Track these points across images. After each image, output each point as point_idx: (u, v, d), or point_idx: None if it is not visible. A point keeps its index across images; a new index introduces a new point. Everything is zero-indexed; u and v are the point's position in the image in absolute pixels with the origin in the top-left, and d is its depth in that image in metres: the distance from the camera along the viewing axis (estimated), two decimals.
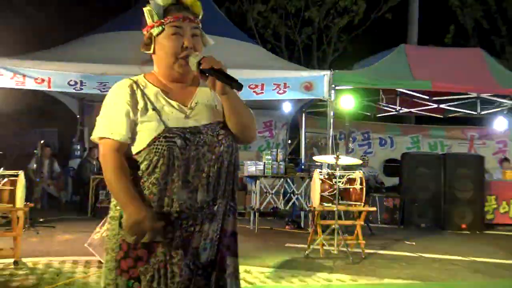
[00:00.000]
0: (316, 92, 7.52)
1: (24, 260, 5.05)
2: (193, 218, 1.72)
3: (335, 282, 4.80)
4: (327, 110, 7.69)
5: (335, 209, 5.89)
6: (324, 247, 6.01)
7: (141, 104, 1.77)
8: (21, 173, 5.22)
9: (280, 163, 8.49)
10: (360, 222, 6.14)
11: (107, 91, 6.76)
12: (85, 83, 6.98)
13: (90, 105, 11.18)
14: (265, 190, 8.53)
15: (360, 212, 6.17)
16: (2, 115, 9.67)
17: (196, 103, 1.83)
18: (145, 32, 1.86)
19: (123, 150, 1.76)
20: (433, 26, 15.56)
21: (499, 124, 10.96)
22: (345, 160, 6.41)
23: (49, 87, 7.03)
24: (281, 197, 9.08)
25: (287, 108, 10.70)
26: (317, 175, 6.22)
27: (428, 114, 11.50)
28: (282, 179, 8.65)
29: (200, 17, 1.88)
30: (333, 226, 5.90)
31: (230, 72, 1.72)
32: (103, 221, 4.80)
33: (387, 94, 10.04)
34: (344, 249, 5.77)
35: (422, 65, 8.65)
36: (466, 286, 5.00)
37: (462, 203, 8.91)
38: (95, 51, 7.50)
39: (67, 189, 11.14)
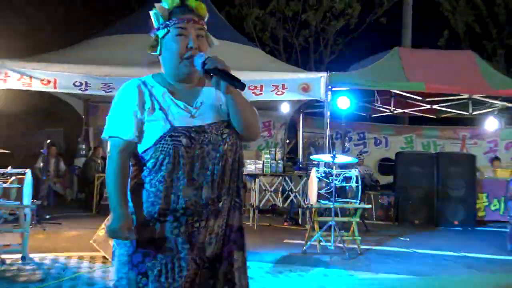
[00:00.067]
0: (313, 93, 7.52)
1: (31, 255, 5.04)
2: (198, 214, 1.72)
3: (332, 277, 4.81)
4: (324, 110, 7.69)
5: (331, 206, 5.89)
6: (321, 243, 6.02)
7: (148, 104, 1.77)
8: (28, 172, 5.22)
9: (279, 162, 8.50)
10: (356, 219, 6.14)
11: (111, 92, 6.75)
12: (90, 84, 6.97)
13: (95, 105, 11.17)
14: (264, 188, 8.53)
15: (356, 209, 6.17)
16: (10, 116, 9.66)
17: (201, 102, 1.83)
18: (151, 35, 1.87)
19: (131, 149, 1.79)
20: (426, 30, 15.58)
21: (490, 124, 10.97)
22: (341, 159, 6.42)
23: (55, 88, 7.03)
24: (279, 195, 9.07)
25: (285, 108, 10.70)
26: (314, 174, 6.22)
27: (421, 114, 11.52)
28: (281, 177, 8.65)
29: (206, 19, 1.88)
30: (330, 222, 5.90)
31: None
32: (107, 218, 4.80)
33: (382, 95, 10.05)
34: (341, 245, 5.78)
35: (416, 67, 8.66)
36: (459, 281, 5.00)
37: (454, 201, 8.92)
38: (100, 53, 7.49)
39: (73, 187, 11.13)
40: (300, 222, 8.39)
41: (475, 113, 10.81)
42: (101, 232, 4.93)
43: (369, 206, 7.66)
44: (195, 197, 1.71)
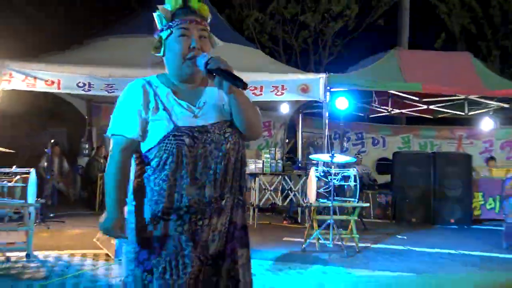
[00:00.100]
0: (312, 94, 7.52)
1: (35, 253, 5.04)
2: (201, 213, 1.73)
3: (330, 274, 4.81)
4: (323, 111, 7.69)
5: (330, 205, 5.89)
6: (320, 241, 6.02)
7: (152, 104, 1.78)
8: (32, 171, 5.22)
9: (278, 161, 8.50)
10: (354, 217, 6.14)
11: (113, 92, 6.74)
12: (93, 84, 6.96)
13: (98, 106, 11.17)
14: (264, 187, 8.53)
15: (354, 208, 6.18)
16: (14, 117, 9.63)
17: (204, 103, 1.83)
18: (155, 36, 1.87)
19: (133, 147, 1.80)
20: (423, 31, 15.57)
21: (486, 124, 10.98)
22: (340, 158, 6.41)
23: (59, 88, 7.02)
24: (279, 194, 9.08)
25: (285, 109, 10.70)
26: (313, 173, 6.23)
27: (418, 115, 11.51)
28: (280, 177, 8.65)
29: (209, 20, 1.88)
30: (329, 221, 5.90)
31: None
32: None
33: (380, 96, 10.04)
34: (339, 243, 5.77)
35: (413, 68, 8.66)
36: (456, 278, 4.99)
37: (450, 200, 8.92)
38: (102, 54, 7.49)
39: (76, 186, 11.11)
40: (299, 221, 8.39)
41: (471, 113, 10.81)
42: None
43: (367, 204, 7.66)
44: (198, 195, 1.72)
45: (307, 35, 16.00)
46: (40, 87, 6.93)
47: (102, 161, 9.83)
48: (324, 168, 6.59)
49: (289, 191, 8.70)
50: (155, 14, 1.85)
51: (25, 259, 4.87)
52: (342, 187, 6.22)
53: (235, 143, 1.80)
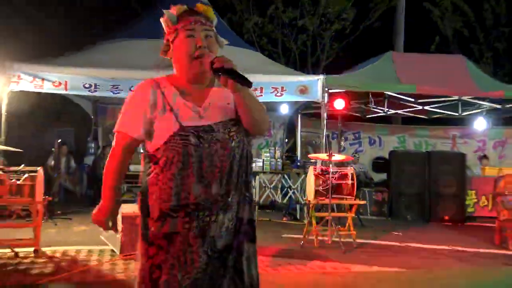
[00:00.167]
0: (310, 95, 7.52)
1: (43, 249, 5.04)
2: (208, 210, 1.72)
3: (329, 270, 4.80)
4: (321, 111, 7.67)
5: (328, 202, 5.88)
6: (319, 237, 6.00)
7: (160, 104, 1.77)
8: (40, 169, 5.21)
9: (278, 160, 8.49)
10: (351, 214, 6.14)
11: (118, 93, 6.75)
12: (98, 86, 6.97)
13: (103, 106, 11.15)
14: (264, 185, 8.52)
15: (351, 205, 6.17)
16: (22, 117, 9.62)
17: (209, 103, 1.82)
18: (164, 40, 1.87)
19: (135, 145, 1.82)
20: (417, 35, 15.54)
21: (479, 124, 11.00)
22: (338, 157, 6.40)
23: (66, 89, 7.03)
24: (278, 192, 9.06)
25: (284, 109, 10.69)
26: (312, 171, 6.21)
27: (413, 115, 11.50)
28: (280, 175, 8.64)
29: (214, 23, 1.88)
30: (327, 218, 5.89)
31: None
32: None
33: (376, 97, 10.03)
34: (337, 239, 5.76)
35: (408, 70, 8.66)
36: (451, 274, 4.98)
37: (445, 197, 8.91)
38: (107, 57, 7.49)
39: (82, 184, 11.11)
40: (298, 218, 8.39)
41: (464, 113, 10.81)
42: None
43: (364, 202, 7.65)
44: (205, 193, 1.71)
45: (305, 38, 15.98)
46: (48, 88, 6.93)
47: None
48: (323, 167, 6.58)
49: (289, 189, 8.69)
50: (161, 20, 1.85)
51: (33, 254, 4.86)
52: (339, 185, 6.20)
53: (240, 141, 1.79)
